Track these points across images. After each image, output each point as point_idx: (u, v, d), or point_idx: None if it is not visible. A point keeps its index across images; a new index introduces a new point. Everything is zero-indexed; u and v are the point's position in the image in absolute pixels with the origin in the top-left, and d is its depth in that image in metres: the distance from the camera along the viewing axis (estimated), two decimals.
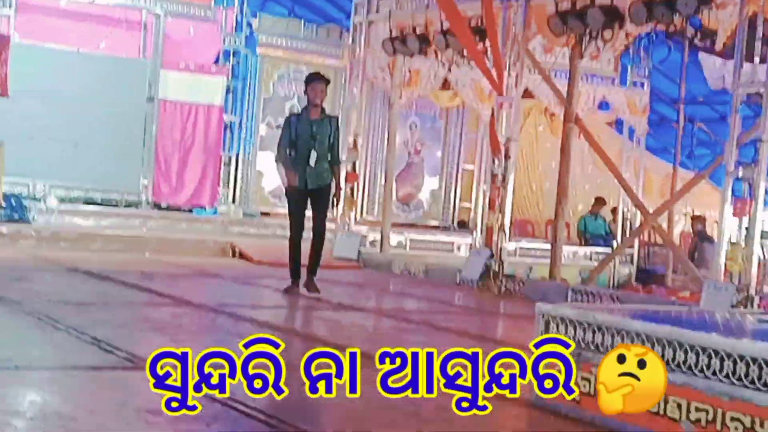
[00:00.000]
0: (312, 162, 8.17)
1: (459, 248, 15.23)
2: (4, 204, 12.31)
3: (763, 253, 10.24)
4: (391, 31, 12.97)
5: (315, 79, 8.38)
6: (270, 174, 15.73)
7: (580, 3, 10.40)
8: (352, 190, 13.60)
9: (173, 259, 11.69)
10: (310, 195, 8.27)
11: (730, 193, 8.77)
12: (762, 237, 8.97)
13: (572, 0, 10.51)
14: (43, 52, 13.91)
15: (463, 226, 17.32)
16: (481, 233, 11.88)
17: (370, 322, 7.70)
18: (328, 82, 8.48)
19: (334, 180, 8.41)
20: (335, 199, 8.53)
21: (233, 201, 15.73)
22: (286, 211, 8.89)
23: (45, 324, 5.76)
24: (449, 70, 13.57)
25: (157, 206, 14.87)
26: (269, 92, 16.12)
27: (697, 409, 3.65)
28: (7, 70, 12.71)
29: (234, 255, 12.88)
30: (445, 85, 14.59)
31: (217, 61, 15.75)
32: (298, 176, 8.16)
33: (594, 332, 4.16)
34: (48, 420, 3.54)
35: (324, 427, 3.84)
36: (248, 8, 16.45)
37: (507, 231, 11.14)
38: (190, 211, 15.00)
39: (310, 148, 8.16)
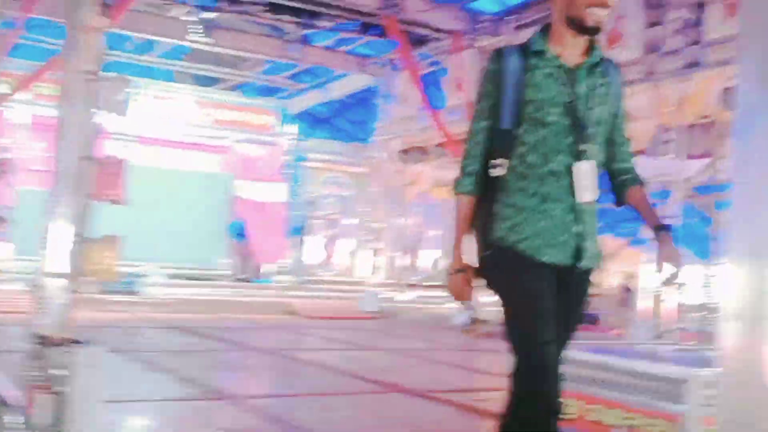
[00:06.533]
0: (585, 189, 2.02)
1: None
2: (123, 281, 12.43)
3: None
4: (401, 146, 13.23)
5: None
6: (313, 247, 15.72)
7: None
8: None
9: (244, 316, 11.60)
10: (565, 278, 2.14)
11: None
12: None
13: None
14: (153, 172, 14.08)
15: None
16: None
17: (385, 357, 7.57)
18: None
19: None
20: (668, 268, 2.09)
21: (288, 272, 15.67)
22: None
23: (150, 367, 5.74)
24: (444, 171, 13.76)
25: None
26: (317, 192, 16.33)
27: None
28: (126, 186, 12.81)
29: (290, 312, 12.76)
30: (442, 182, 14.74)
31: (279, 171, 15.94)
32: (544, 238, 2.07)
33: None
34: None
35: None
36: (300, 134, 16.77)
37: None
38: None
39: (575, 145, 2.00)
